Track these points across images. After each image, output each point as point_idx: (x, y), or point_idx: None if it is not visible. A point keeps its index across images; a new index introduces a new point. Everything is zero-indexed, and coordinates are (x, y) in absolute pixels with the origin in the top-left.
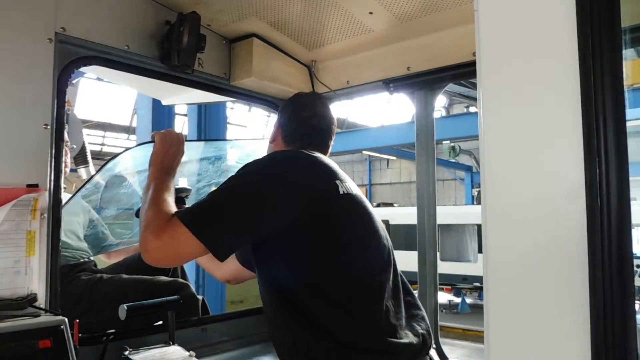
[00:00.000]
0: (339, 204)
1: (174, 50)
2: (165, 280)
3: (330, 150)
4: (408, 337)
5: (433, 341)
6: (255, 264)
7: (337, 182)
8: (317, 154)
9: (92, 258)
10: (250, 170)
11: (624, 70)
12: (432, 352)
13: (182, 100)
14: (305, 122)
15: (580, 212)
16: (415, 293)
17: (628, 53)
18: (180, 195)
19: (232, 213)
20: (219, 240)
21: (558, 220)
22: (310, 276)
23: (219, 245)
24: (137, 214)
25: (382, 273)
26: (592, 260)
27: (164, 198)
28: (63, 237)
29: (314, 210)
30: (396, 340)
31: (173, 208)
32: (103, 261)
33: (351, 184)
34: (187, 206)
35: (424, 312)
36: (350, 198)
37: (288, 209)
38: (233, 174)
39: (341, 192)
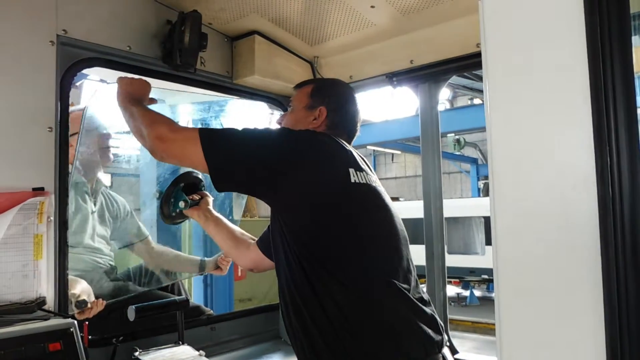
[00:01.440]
0: (349, 192)
1: (175, 49)
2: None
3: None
4: (425, 330)
5: (446, 341)
6: (274, 252)
7: (351, 170)
8: (343, 142)
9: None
10: (282, 130)
11: (634, 56)
12: (446, 349)
13: (185, 99)
14: (350, 114)
15: (591, 203)
16: (424, 286)
17: (638, 39)
18: (195, 182)
19: (246, 150)
20: (221, 166)
21: (569, 212)
22: (319, 255)
23: (219, 170)
24: (159, 198)
25: (392, 266)
26: (605, 251)
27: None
28: (95, 244)
29: (322, 190)
30: (415, 330)
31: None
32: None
33: (371, 176)
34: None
35: (433, 308)
36: (365, 188)
37: (300, 177)
38: None
39: (352, 181)
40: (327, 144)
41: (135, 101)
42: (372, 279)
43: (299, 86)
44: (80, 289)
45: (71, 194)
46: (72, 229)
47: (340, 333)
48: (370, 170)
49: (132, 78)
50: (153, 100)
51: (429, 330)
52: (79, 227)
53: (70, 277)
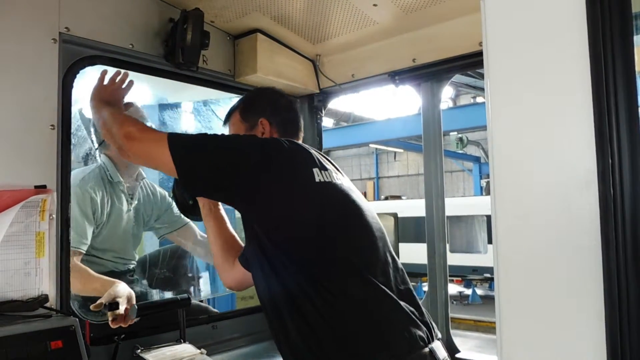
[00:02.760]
0: (315, 192)
1: (178, 47)
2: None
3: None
4: (406, 326)
5: (437, 332)
6: (250, 263)
7: (315, 169)
8: (300, 142)
9: (132, 267)
10: (249, 136)
11: (636, 56)
12: (437, 344)
13: (187, 97)
14: (290, 110)
15: (592, 202)
16: (425, 285)
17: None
18: None
19: (215, 153)
20: (189, 169)
21: (570, 211)
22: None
23: (187, 172)
24: (174, 191)
25: (367, 261)
26: (606, 250)
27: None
28: (123, 247)
29: (287, 190)
30: (398, 328)
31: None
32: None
33: (335, 174)
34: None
35: (417, 300)
36: (330, 186)
37: (267, 180)
38: None
39: (317, 180)
40: (289, 148)
41: (107, 103)
42: (347, 278)
43: (227, 120)
44: (116, 291)
45: (104, 193)
46: (105, 232)
47: (320, 334)
48: (336, 168)
49: (112, 78)
50: (129, 105)
51: (410, 326)
52: (111, 230)
53: (106, 277)
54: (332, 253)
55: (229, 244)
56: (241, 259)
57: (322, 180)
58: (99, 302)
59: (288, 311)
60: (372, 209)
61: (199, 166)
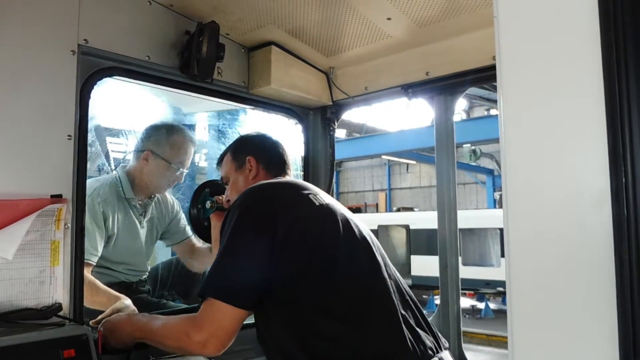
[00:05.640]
0: (316, 218)
1: (193, 59)
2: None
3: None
4: (413, 343)
5: (444, 341)
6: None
7: (311, 196)
8: (289, 179)
9: (144, 277)
10: (240, 217)
11: None
12: (446, 354)
13: (202, 108)
14: (274, 146)
15: (606, 221)
16: (437, 298)
17: None
18: (221, 188)
19: (242, 262)
20: (242, 293)
21: (583, 229)
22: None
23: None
24: (190, 213)
25: (369, 277)
26: (620, 270)
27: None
28: (136, 260)
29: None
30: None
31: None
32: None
33: (320, 195)
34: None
35: (424, 313)
36: (325, 209)
37: (279, 235)
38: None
39: (317, 204)
40: (271, 200)
41: (135, 333)
42: (354, 301)
43: (220, 161)
44: (119, 308)
45: (116, 207)
46: (116, 245)
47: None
48: (318, 190)
49: (110, 323)
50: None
51: (418, 336)
52: (123, 242)
53: (112, 292)
54: (337, 277)
55: None
56: None
57: (321, 203)
58: (99, 317)
59: (292, 349)
60: (362, 222)
61: (245, 287)
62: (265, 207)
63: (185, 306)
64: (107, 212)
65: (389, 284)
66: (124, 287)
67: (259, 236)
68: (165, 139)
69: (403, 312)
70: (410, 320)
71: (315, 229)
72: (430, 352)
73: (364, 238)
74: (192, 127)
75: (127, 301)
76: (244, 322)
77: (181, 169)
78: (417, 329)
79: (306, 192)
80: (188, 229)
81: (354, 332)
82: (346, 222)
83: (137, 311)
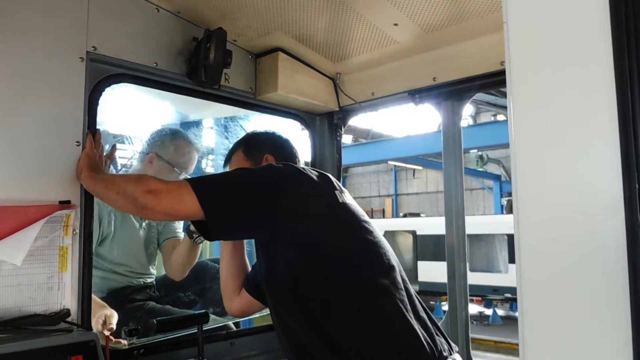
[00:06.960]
0: (337, 212)
1: (201, 66)
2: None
3: None
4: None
5: (454, 345)
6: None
7: (336, 192)
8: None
9: (150, 281)
10: (267, 165)
11: None
12: (457, 357)
13: (209, 114)
14: (289, 144)
15: (619, 228)
16: (445, 304)
17: None
18: None
19: (240, 191)
20: (218, 210)
21: (596, 236)
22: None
23: (215, 217)
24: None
25: (387, 277)
26: (633, 277)
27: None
28: (137, 263)
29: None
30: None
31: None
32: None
33: (346, 194)
34: None
35: (432, 317)
36: (349, 207)
37: (294, 203)
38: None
39: (340, 201)
40: (309, 173)
41: (98, 169)
42: (373, 296)
43: (228, 160)
44: (110, 313)
45: (114, 209)
46: (114, 245)
47: (346, 352)
48: (343, 188)
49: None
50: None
51: (433, 337)
52: (121, 243)
53: (97, 300)
54: (359, 273)
55: (239, 273)
56: (246, 284)
57: (343, 201)
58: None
59: (308, 333)
60: (375, 224)
61: (229, 204)
62: (298, 176)
63: (192, 312)
64: (101, 213)
65: (403, 286)
66: (129, 292)
67: (271, 189)
68: (171, 143)
69: (417, 314)
70: (427, 322)
71: (339, 221)
72: (444, 353)
73: (382, 240)
74: (198, 128)
75: (110, 312)
76: (255, 327)
77: (184, 174)
78: (432, 328)
79: (336, 190)
80: (179, 231)
81: (371, 323)
82: (366, 222)
83: (114, 321)
